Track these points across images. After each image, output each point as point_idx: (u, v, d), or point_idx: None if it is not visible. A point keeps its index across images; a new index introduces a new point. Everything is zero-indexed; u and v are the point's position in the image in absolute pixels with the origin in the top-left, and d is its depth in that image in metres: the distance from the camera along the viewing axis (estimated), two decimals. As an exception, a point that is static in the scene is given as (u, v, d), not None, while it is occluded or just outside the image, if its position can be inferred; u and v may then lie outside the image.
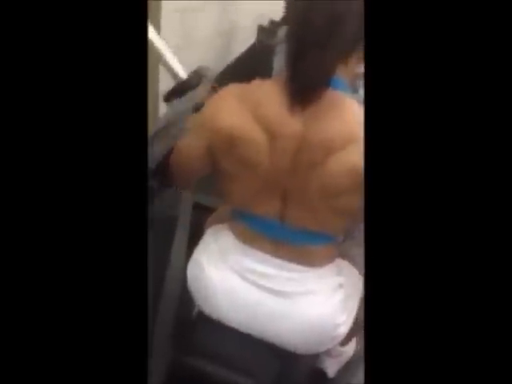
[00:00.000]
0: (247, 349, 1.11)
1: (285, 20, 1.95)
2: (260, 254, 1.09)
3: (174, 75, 1.25)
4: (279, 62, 1.48)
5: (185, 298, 1.26)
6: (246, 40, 2.65)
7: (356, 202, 0.97)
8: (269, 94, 0.99)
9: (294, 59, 0.96)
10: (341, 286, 1.13)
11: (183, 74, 1.25)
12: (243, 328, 1.12)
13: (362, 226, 1.27)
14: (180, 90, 1.22)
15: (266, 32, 2.01)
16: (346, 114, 0.98)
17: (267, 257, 1.09)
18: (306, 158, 0.98)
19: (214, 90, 1.18)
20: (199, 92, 1.19)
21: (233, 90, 1.05)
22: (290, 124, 0.97)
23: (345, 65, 1.00)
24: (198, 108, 1.12)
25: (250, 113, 0.99)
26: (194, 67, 1.25)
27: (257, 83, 1.03)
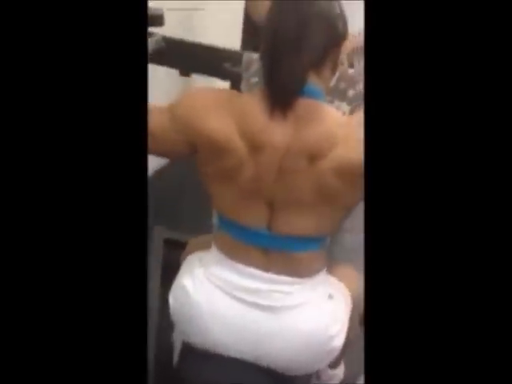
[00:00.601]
0: (238, 377, 1.06)
1: (246, 47, 1.99)
2: (248, 269, 1.06)
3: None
4: (246, 87, 1.48)
5: (162, 338, 1.23)
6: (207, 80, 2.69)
7: (344, 200, 1.03)
8: (250, 105, 1.02)
9: (269, 67, 0.99)
10: (331, 296, 1.11)
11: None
12: (234, 352, 1.06)
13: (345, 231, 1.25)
14: None
15: (230, 59, 2.05)
16: (327, 119, 1.01)
17: (256, 271, 1.06)
18: (290, 167, 1.00)
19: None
20: None
21: (213, 93, 1.08)
22: (272, 135, 0.99)
23: (318, 73, 1.02)
24: None
25: (234, 123, 1.00)
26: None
27: (241, 95, 1.09)
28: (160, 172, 1.65)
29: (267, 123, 0.99)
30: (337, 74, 1.36)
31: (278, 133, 0.99)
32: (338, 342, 1.11)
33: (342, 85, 1.36)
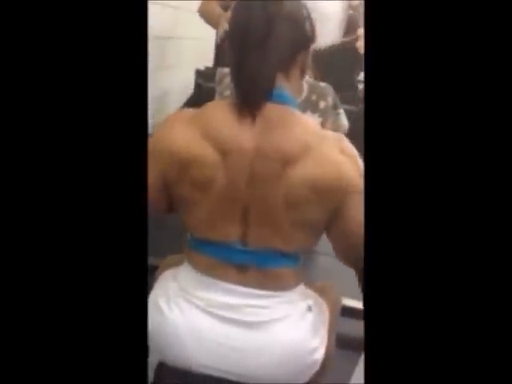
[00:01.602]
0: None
1: (218, 63, 2.01)
2: (224, 285, 1.02)
3: None
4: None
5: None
6: (175, 103, 2.75)
7: (316, 215, 0.98)
8: (218, 112, 0.99)
9: (236, 68, 0.97)
10: (310, 308, 1.07)
11: None
12: (212, 370, 1.01)
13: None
14: None
15: (204, 75, 2.07)
16: (298, 125, 0.98)
17: (232, 286, 1.02)
18: (262, 171, 0.96)
19: None
20: None
21: (181, 114, 1.05)
22: (241, 139, 0.95)
23: (287, 76, 1.00)
24: None
25: (199, 133, 0.97)
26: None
27: (207, 105, 1.03)
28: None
29: (235, 127, 0.96)
30: (307, 86, 1.38)
31: (246, 137, 0.95)
32: (318, 355, 1.07)
33: (314, 97, 1.36)
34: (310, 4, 1.71)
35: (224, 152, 0.95)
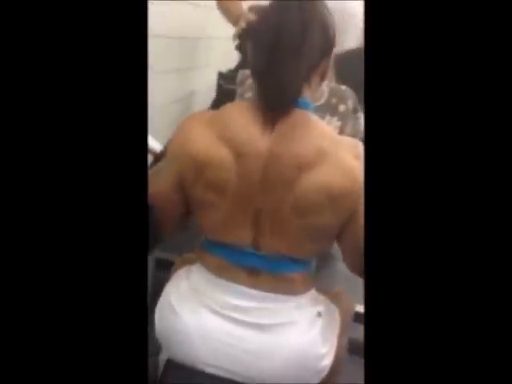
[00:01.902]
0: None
1: (241, 65, 2.00)
2: (236, 287, 1.02)
3: (150, 149, 1.35)
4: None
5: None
6: (201, 104, 2.73)
7: (329, 221, 0.97)
8: (237, 114, 0.98)
9: (264, 74, 0.94)
10: (320, 314, 1.08)
11: (158, 146, 1.34)
12: (221, 372, 1.02)
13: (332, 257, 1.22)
14: (157, 160, 1.27)
15: (225, 77, 2.09)
16: (314, 131, 0.97)
17: (244, 289, 1.02)
18: (276, 176, 0.95)
19: None
20: None
21: (199, 115, 1.04)
22: (258, 142, 0.94)
23: (309, 83, 0.98)
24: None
25: (216, 134, 0.96)
26: (153, 133, 1.30)
27: (226, 106, 1.02)
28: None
29: (253, 130, 0.95)
30: (328, 89, 1.38)
31: (262, 140, 0.94)
32: (328, 360, 1.07)
33: (334, 100, 1.35)
34: (337, 4, 1.71)
35: (239, 154, 0.94)
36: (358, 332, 1.42)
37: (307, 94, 0.98)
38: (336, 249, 1.12)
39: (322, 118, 1.33)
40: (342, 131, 1.35)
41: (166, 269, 1.37)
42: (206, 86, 2.68)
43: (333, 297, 1.19)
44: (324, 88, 1.34)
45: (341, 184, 0.94)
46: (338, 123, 1.36)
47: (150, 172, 1.05)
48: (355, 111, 1.37)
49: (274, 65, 0.91)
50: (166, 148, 1.22)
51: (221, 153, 0.95)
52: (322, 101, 1.34)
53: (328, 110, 1.35)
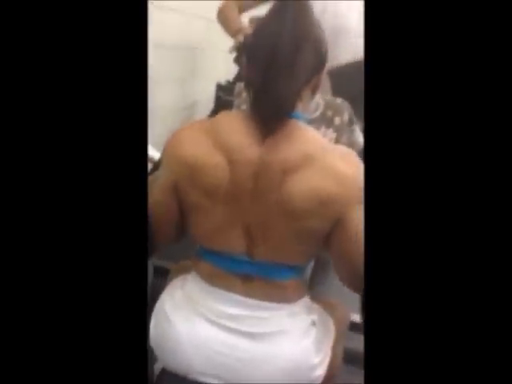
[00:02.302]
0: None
1: (239, 77, 2.03)
2: (230, 295, 1.04)
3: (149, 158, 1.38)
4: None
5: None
6: (203, 114, 2.79)
7: (317, 225, 0.98)
8: (231, 123, 0.99)
9: (258, 88, 0.95)
10: (314, 323, 1.08)
11: (157, 155, 1.36)
12: (216, 381, 1.03)
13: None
14: (155, 169, 1.29)
15: (224, 89, 2.12)
16: (303, 138, 0.98)
17: (238, 297, 1.03)
18: (265, 182, 0.96)
19: None
20: None
21: (196, 123, 1.06)
22: (249, 150, 0.96)
23: (300, 98, 1.00)
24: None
25: (210, 140, 0.98)
26: (154, 142, 1.31)
27: (222, 115, 1.04)
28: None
29: (245, 139, 0.96)
30: (323, 102, 1.39)
31: (254, 149, 0.96)
32: (321, 370, 1.07)
33: (329, 113, 1.37)
34: (333, 18, 1.72)
35: (231, 161, 0.96)
36: (355, 341, 1.43)
37: (299, 107, 1.00)
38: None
39: (318, 129, 1.34)
40: (337, 143, 1.36)
41: (164, 276, 1.38)
42: (207, 97, 2.72)
43: (328, 306, 1.20)
44: (320, 101, 1.37)
45: (327, 187, 0.94)
46: (334, 135, 1.37)
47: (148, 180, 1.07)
48: (351, 123, 1.39)
49: (268, 81, 0.92)
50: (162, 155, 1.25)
51: (214, 159, 0.96)
52: (318, 113, 1.36)
53: (323, 122, 1.37)
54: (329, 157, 0.96)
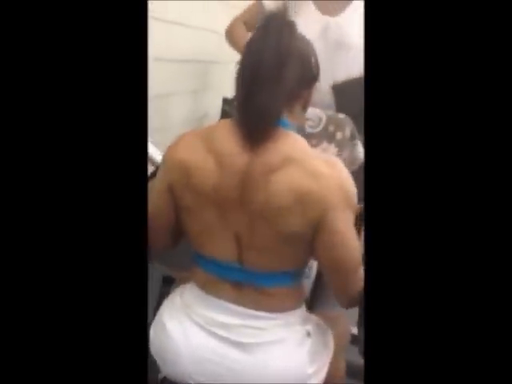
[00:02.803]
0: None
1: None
2: (221, 303, 1.06)
3: (151, 160, 1.37)
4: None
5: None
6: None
7: (301, 226, 0.99)
8: (224, 130, 1.04)
9: (245, 101, 1.00)
10: (309, 334, 1.09)
11: (159, 157, 1.35)
12: None
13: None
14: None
15: (229, 103, 2.16)
16: (286, 142, 1.02)
17: (228, 305, 1.06)
18: (250, 187, 1.00)
19: None
20: None
21: (194, 131, 1.12)
22: (238, 157, 1.01)
23: (290, 109, 1.04)
24: None
25: (204, 147, 1.03)
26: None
27: (218, 122, 1.10)
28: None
29: (234, 146, 1.01)
30: (326, 117, 1.43)
31: (242, 155, 1.00)
32: (316, 380, 1.08)
33: (331, 128, 1.40)
34: (336, 33, 1.75)
35: (222, 166, 1.01)
36: (354, 354, 1.44)
37: (289, 118, 1.04)
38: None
39: (319, 144, 1.38)
40: (338, 157, 1.39)
41: (171, 286, 1.41)
42: (218, 110, 2.76)
43: (328, 319, 1.21)
44: (322, 116, 1.40)
45: (306, 187, 0.97)
46: (335, 150, 1.40)
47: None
48: (352, 138, 1.41)
49: (252, 93, 0.98)
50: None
51: (207, 163, 1.02)
52: (320, 128, 1.40)
53: (325, 137, 1.40)
54: (310, 159, 1.00)
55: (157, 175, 1.12)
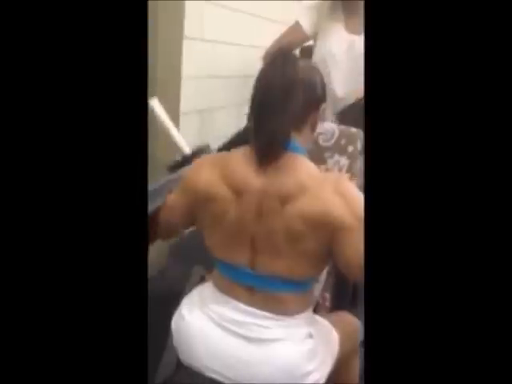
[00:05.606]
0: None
1: None
2: (235, 303, 1.16)
3: (179, 149, 1.46)
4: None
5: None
6: None
7: (314, 246, 1.09)
8: (236, 158, 1.15)
9: (256, 126, 1.10)
10: (310, 335, 1.16)
11: (187, 149, 1.45)
12: (219, 377, 1.15)
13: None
14: (183, 162, 1.42)
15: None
16: (299, 169, 1.10)
17: (241, 305, 1.16)
18: (267, 209, 1.10)
19: None
20: None
21: (208, 158, 1.24)
22: (253, 182, 1.10)
23: (299, 132, 1.13)
24: None
25: (218, 174, 1.14)
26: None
27: (229, 152, 1.20)
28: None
29: (248, 172, 1.10)
30: (338, 131, 1.50)
31: (257, 180, 1.09)
32: (314, 378, 1.16)
33: (343, 141, 1.48)
34: (360, 48, 1.85)
35: (237, 192, 1.11)
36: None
37: (299, 141, 1.13)
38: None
39: (331, 157, 1.46)
40: (349, 169, 1.46)
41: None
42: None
43: (335, 321, 1.29)
44: (335, 130, 1.47)
45: (315, 214, 1.06)
46: (347, 162, 1.47)
47: (168, 196, 1.24)
48: (363, 152, 1.48)
49: (262, 120, 1.07)
50: (191, 155, 1.40)
51: (221, 190, 1.12)
52: (333, 141, 1.47)
53: (337, 150, 1.48)
54: (320, 186, 1.08)
55: (178, 189, 1.24)
